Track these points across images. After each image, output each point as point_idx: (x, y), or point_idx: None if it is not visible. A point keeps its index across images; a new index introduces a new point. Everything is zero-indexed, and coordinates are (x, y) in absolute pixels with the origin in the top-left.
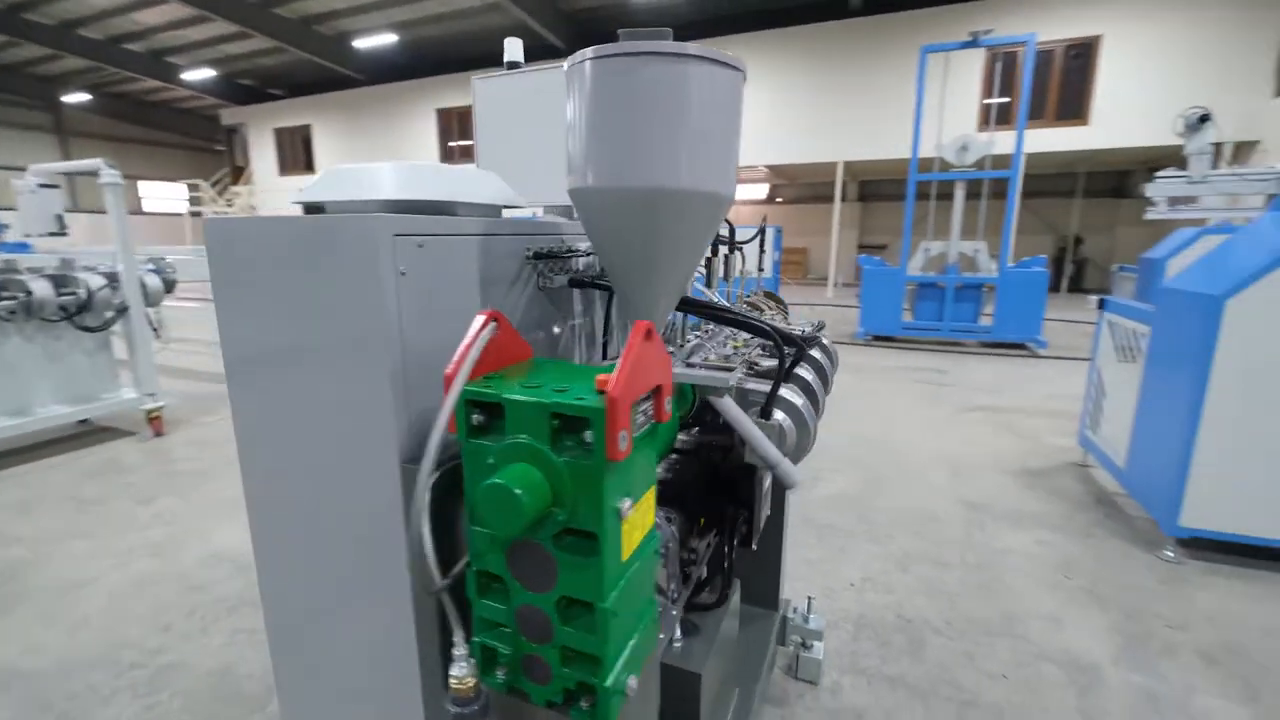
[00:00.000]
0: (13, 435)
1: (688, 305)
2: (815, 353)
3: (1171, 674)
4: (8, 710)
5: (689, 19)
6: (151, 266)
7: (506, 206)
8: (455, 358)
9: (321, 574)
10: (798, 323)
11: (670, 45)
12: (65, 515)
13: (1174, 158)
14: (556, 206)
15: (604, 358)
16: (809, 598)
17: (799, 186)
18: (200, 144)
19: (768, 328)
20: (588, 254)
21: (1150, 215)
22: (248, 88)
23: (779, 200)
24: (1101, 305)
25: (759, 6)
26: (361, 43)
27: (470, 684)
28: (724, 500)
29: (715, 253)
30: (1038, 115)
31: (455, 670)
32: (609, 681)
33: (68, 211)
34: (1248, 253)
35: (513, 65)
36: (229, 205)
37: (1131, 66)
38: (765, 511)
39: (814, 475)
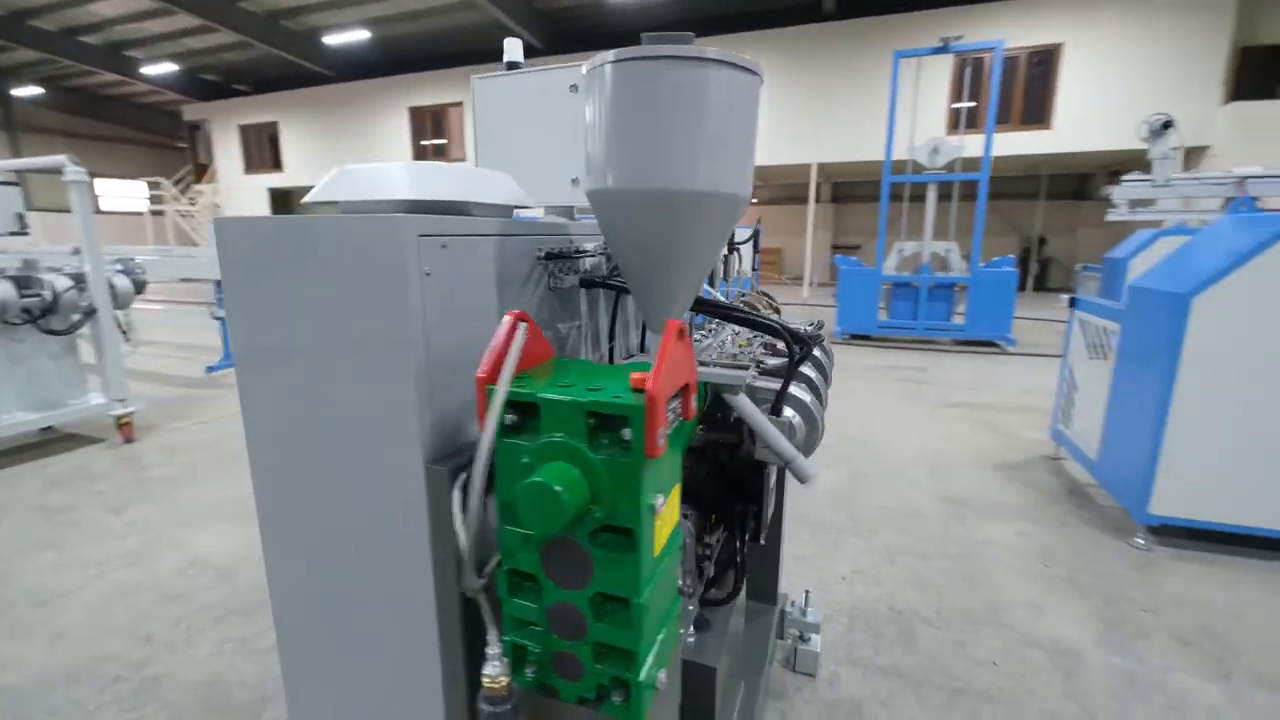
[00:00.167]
0: None
1: (700, 305)
2: (816, 351)
3: (1149, 656)
4: None
5: (665, 20)
6: (120, 267)
7: (518, 207)
8: (487, 358)
9: (337, 575)
10: (794, 322)
11: (692, 49)
12: (33, 526)
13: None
14: (556, 207)
15: (610, 358)
16: (806, 591)
17: (773, 188)
18: (161, 140)
19: (779, 326)
20: (594, 255)
21: (1112, 217)
22: (211, 83)
23: (754, 201)
24: (1072, 304)
25: (735, 9)
26: (332, 39)
27: (503, 683)
28: (733, 496)
29: None
30: (1003, 120)
31: (489, 669)
32: (642, 676)
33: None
34: (1211, 253)
35: (512, 65)
36: (192, 204)
37: (1090, 73)
38: (771, 507)
39: None
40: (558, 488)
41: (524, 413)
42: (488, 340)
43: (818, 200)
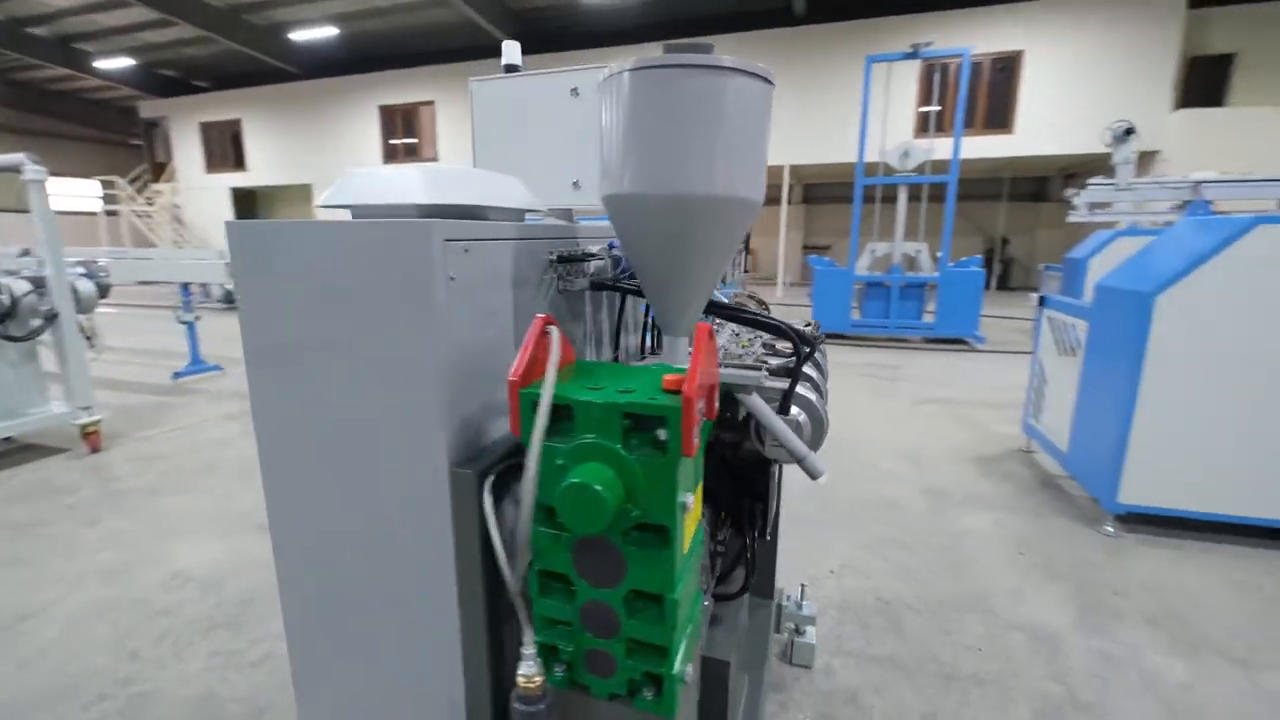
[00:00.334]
0: None
1: (712, 308)
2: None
3: (1122, 636)
4: None
5: (637, 22)
6: (83, 270)
7: (529, 210)
8: (518, 361)
9: (355, 579)
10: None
11: (710, 58)
12: None
13: (1086, 165)
14: (556, 210)
15: (615, 359)
16: (802, 585)
17: None
18: (115, 138)
19: (786, 327)
20: (601, 258)
21: (1072, 218)
22: (170, 79)
23: None
24: (1042, 302)
25: (708, 12)
26: (299, 35)
27: (538, 682)
28: (741, 494)
29: None
30: (968, 124)
31: (524, 669)
32: (675, 669)
33: None
34: (1172, 254)
35: (510, 68)
36: (149, 204)
37: (1049, 80)
38: (775, 504)
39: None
40: (598, 487)
41: (556, 415)
42: (505, 344)
43: (789, 201)
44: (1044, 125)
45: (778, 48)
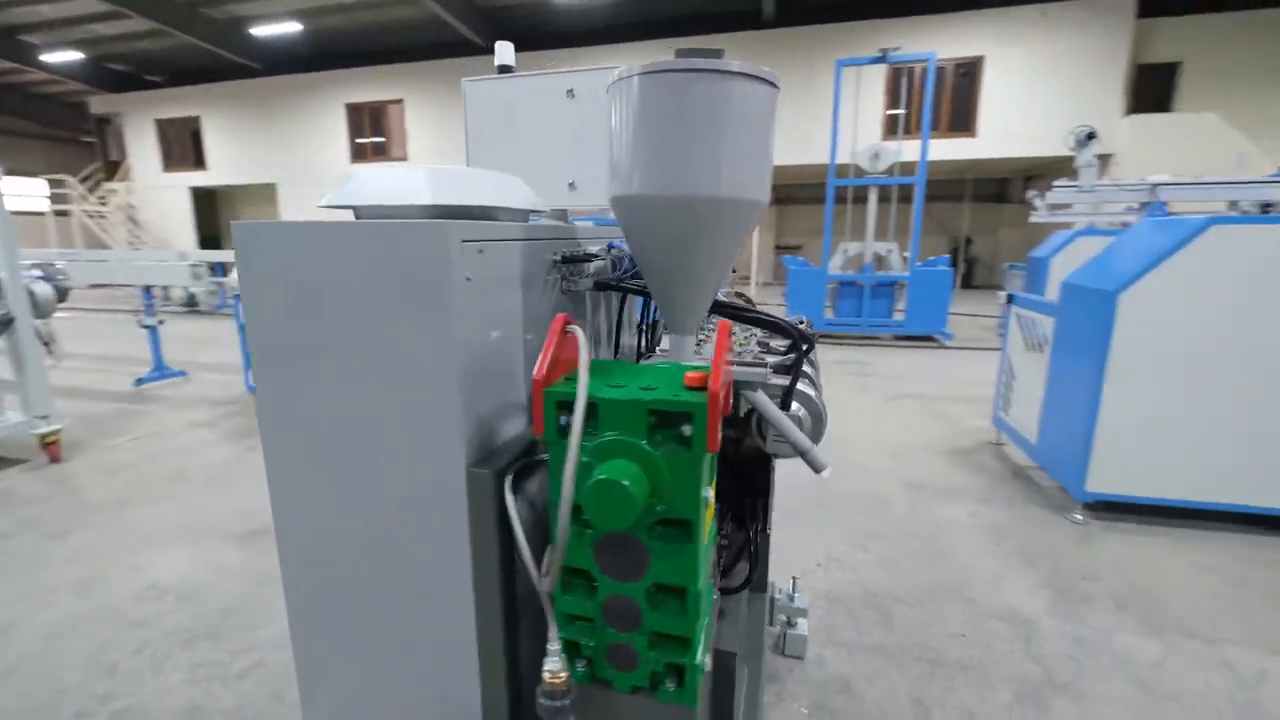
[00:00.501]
0: None
1: (715, 306)
2: None
3: (1093, 619)
4: None
5: (608, 23)
6: (39, 273)
7: (534, 211)
8: (541, 360)
9: (363, 581)
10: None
11: (720, 63)
12: None
13: (1044, 167)
14: (550, 211)
15: (614, 358)
16: (794, 578)
17: None
18: (64, 134)
19: (788, 325)
20: (602, 258)
21: (1035, 218)
22: (121, 73)
23: None
24: (1010, 300)
25: (678, 14)
26: (260, 30)
27: (564, 678)
28: (742, 489)
29: None
30: (933, 127)
31: (550, 664)
32: (697, 659)
33: None
34: (1133, 254)
35: (504, 69)
36: (103, 203)
37: (1009, 85)
38: (773, 499)
39: None
40: (626, 483)
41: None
42: (515, 344)
43: None
44: (1005, 128)
45: (747, 50)
